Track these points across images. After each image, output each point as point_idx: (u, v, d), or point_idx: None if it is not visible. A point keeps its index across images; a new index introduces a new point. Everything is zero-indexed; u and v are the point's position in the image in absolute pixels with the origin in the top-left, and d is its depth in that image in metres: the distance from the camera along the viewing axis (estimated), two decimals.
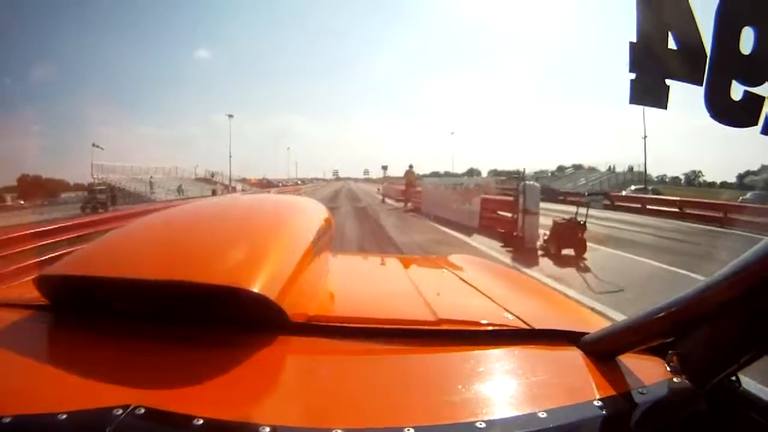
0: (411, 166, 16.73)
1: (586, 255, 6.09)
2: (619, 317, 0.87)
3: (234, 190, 36.16)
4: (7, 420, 0.44)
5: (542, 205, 7.41)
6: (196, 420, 0.44)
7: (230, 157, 44.28)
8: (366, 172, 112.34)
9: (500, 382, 0.58)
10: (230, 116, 46.71)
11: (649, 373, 0.58)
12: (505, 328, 0.71)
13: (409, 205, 15.10)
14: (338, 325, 0.69)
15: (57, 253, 4.78)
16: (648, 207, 13.79)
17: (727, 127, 0.55)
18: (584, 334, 0.65)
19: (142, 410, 0.45)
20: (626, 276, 5.12)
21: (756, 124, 0.54)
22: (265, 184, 50.36)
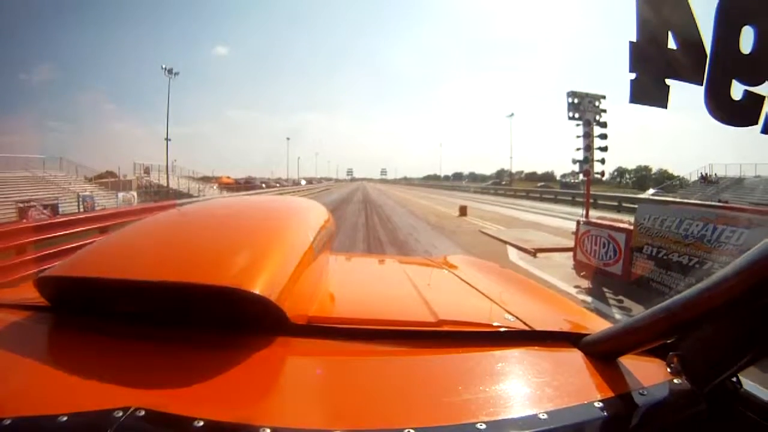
0: None
1: None
2: None
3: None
4: (8, 422, 0.44)
5: None
6: (196, 422, 0.44)
7: (167, 139, 26.39)
8: (383, 172, 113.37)
9: (501, 383, 0.58)
10: (171, 72, 27.18)
11: (649, 374, 0.57)
12: (505, 329, 0.70)
13: None
14: (338, 326, 0.68)
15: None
16: None
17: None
18: (585, 335, 0.65)
19: (143, 412, 0.45)
20: None
21: (756, 123, 0.54)
22: (242, 185, 37.69)
